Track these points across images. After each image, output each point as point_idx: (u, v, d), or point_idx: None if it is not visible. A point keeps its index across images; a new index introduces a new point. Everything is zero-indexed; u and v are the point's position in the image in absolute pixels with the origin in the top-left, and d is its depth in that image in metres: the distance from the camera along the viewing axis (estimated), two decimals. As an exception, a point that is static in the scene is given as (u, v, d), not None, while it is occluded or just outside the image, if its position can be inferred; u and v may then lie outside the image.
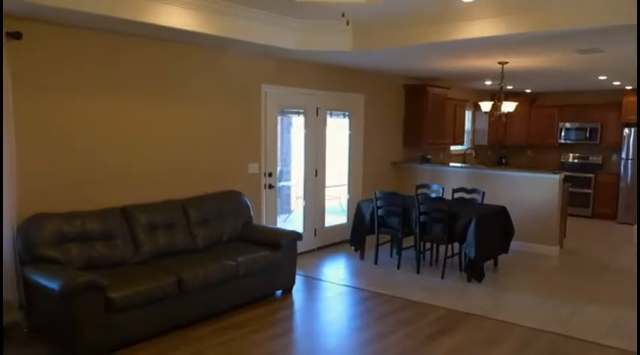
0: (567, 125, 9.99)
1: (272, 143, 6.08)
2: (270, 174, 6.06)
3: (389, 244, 6.37)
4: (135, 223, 4.42)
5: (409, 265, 5.91)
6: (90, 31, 4.28)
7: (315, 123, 6.65)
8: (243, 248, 4.79)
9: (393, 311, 4.63)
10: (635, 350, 3.73)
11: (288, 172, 6.90)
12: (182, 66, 5.02)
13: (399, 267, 5.90)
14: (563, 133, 10.05)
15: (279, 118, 6.23)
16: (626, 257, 6.63)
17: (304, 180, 6.64)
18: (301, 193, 6.72)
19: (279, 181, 6.38)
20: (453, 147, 9.49)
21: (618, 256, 6.74)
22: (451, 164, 8.45)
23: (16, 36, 3.78)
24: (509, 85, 8.79)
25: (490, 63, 6.23)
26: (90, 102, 4.36)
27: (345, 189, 7.34)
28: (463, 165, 8.46)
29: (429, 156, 8.46)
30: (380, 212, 6.01)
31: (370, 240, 6.26)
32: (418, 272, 5.75)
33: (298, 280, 5.23)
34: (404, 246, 6.00)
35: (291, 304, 4.89)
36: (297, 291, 5.15)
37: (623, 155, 9.01)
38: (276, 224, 6.21)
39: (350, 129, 7.25)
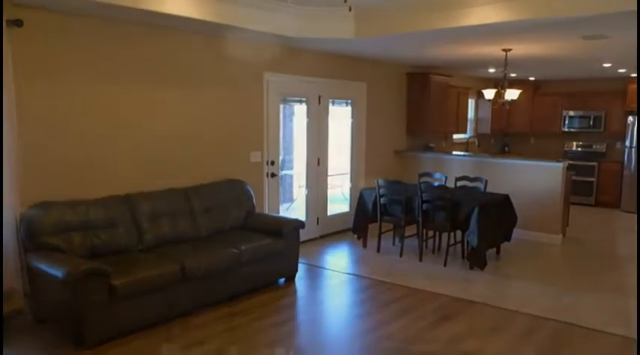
0: (571, 113, 9.93)
1: (274, 131, 6.06)
2: (272, 163, 6.05)
3: (391, 232, 6.37)
4: (138, 211, 4.42)
5: (411, 253, 5.92)
6: (91, 19, 4.26)
7: (318, 112, 6.62)
8: (246, 236, 4.80)
9: (395, 298, 4.64)
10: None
11: (291, 161, 6.90)
12: (183, 54, 5.00)
13: (401, 255, 5.91)
14: (566, 121, 9.99)
15: (281, 107, 6.21)
16: (628, 245, 6.61)
17: (307, 169, 6.63)
18: (304, 182, 6.71)
19: (282, 170, 6.37)
20: (455, 136, 9.44)
21: (621, 244, 6.74)
22: (454, 152, 8.43)
23: (17, 23, 3.76)
24: (513, 73, 8.72)
25: (494, 50, 6.19)
26: (92, 89, 4.35)
27: (348, 177, 7.33)
28: (466, 153, 8.43)
29: (431, 145, 8.44)
30: (383, 200, 6.00)
31: (373, 228, 6.27)
32: (421, 260, 5.76)
33: (301, 268, 5.24)
34: (406, 234, 6.00)
35: (294, 292, 4.91)
36: (300, 279, 5.16)
37: (627, 143, 8.95)
38: (278, 212, 6.21)
39: (352, 117, 7.22)
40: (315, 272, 5.46)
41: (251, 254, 4.54)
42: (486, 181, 6.16)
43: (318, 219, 6.77)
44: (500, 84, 6.76)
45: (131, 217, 4.37)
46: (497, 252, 6.00)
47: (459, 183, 6.37)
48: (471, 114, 9.93)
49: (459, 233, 5.84)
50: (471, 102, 9.89)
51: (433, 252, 6.10)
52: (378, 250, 6.11)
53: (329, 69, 6.64)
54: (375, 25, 5.16)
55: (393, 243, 6.34)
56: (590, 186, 9.42)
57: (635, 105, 8.79)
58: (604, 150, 9.79)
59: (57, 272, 3.47)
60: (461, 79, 9.16)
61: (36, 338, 3.71)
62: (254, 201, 5.41)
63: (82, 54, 4.25)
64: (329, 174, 6.93)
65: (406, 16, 4.92)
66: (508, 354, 3.63)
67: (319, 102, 6.61)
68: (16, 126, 3.79)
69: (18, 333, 3.72)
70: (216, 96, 5.35)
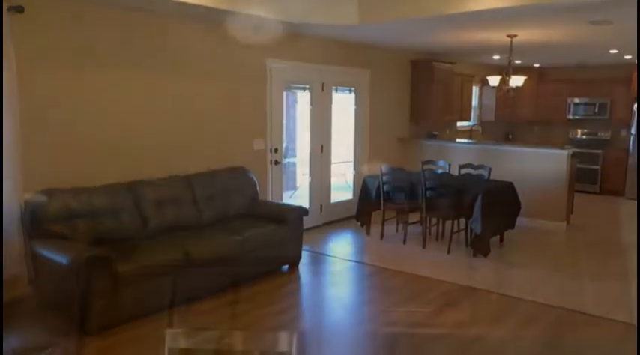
0: (576, 100, 9.85)
1: (277, 119, 6.04)
2: (275, 150, 6.04)
3: (395, 220, 6.37)
4: (142, 198, 4.42)
5: (415, 240, 5.92)
6: (92, 5, 4.22)
7: (321, 99, 6.59)
8: (250, 223, 4.80)
9: (399, 285, 4.65)
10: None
11: (294, 148, 6.88)
12: (185, 42, 4.96)
13: (404, 242, 5.91)
14: (571, 109, 9.92)
15: (284, 94, 6.18)
16: (632, 233, 6.58)
17: (310, 157, 6.62)
18: (307, 169, 6.70)
19: (285, 157, 6.36)
20: (459, 123, 9.39)
21: (625, 232, 6.71)
22: (458, 140, 8.39)
23: (18, 9, 3.73)
24: (518, 60, 8.64)
25: (499, 36, 6.12)
26: (94, 77, 4.33)
27: (351, 165, 7.32)
28: (470, 141, 8.39)
29: (435, 132, 8.40)
30: (386, 187, 5.99)
31: (376, 215, 6.26)
32: (424, 247, 5.76)
33: (304, 255, 5.25)
34: (410, 221, 5.99)
35: (298, 278, 4.93)
36: (304, 266, 5.17)
37: (633, 131, 8.89)
38: (282, 200, 6.20)
39: (356, 104, 7.18)
40: (319, 259, 5.47)
41: (255, 241, 4.55)
42: (490, 169, 6.13)
43: (321, 206, 6.76)
44: (505, 70, 6.70)
45: (135, 204, 4.37)
46: (501, 240, 5.99)
47: (463, 171, 6.35)
48: (475, 101, 9.88)
49: (462, 220, 5.83)
50: (475, 90, 9.83)
51: (437, 239, 6.09)
52: (382, 237, 6.11)
53: (332, 56, 6.59)
54: (380, 11, 5.11)
55: (397, 231, 6.34)
56: (594, 174, 9.38)
57: (641, 93, 8.73)
58: (609, 137, 9.73)
59: (61, 258, 3.48)
60: (465, 67, 9.09)
61: (40, 324, 3.73)
62: (257, 188, 5.40)
63: (84, 41, 4.22)
64: (332, 161, 6.91)
65: (412, 1, 4.87)
66: (511, 341, 3.64)
67: (322, 89, 6.57)
68: (18, 112, 3.77)
69: (22, 319, 3.74)
70: (218, 83, 5.32)
